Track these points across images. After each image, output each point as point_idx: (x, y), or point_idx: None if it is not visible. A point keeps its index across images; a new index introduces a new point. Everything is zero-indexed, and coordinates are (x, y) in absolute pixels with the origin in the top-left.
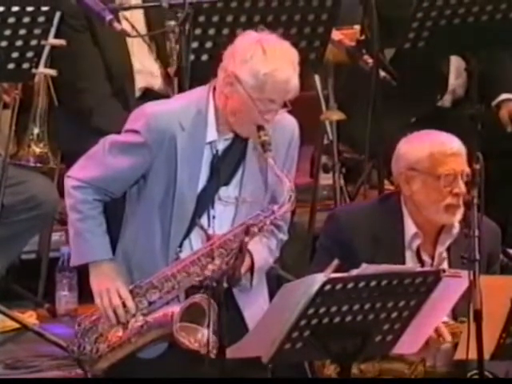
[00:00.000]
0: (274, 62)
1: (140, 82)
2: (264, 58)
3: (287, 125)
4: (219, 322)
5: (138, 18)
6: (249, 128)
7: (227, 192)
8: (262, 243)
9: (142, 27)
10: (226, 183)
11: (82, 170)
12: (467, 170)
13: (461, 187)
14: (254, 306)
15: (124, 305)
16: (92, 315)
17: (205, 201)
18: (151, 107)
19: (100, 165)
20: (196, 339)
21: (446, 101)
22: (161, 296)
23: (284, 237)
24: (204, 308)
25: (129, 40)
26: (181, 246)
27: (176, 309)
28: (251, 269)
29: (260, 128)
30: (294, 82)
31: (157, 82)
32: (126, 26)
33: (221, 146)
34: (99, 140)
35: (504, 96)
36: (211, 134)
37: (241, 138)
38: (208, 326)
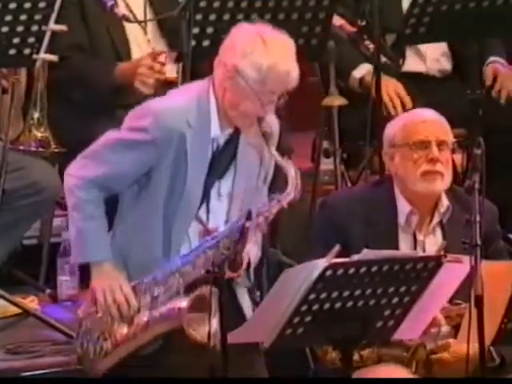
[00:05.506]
0: (275, 54)
1: None
2: (265, 51)
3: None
4: (221, 309)
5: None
6: (250, 120)
7: (222, 186)
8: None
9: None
10: (220, 177)
11: (83, 169)
12: (445, 138)
13: (434, 152)
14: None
15: (127, 301)
16: (93, 313)
17: (204, 195)
18: (158, 104)
19: (103, 163)
20: (203, 331)
21: (432, 69)
22: (164, 291)
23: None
24: (209, 300)
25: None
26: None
27: (183, 302)
28: (248, 266)
29: (261, 120)
30: (295, 72)
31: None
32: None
33: (221, 141)
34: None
35: (492, 58)
36: (214, 130)
37: (237, 133)
38: (214, 317)
